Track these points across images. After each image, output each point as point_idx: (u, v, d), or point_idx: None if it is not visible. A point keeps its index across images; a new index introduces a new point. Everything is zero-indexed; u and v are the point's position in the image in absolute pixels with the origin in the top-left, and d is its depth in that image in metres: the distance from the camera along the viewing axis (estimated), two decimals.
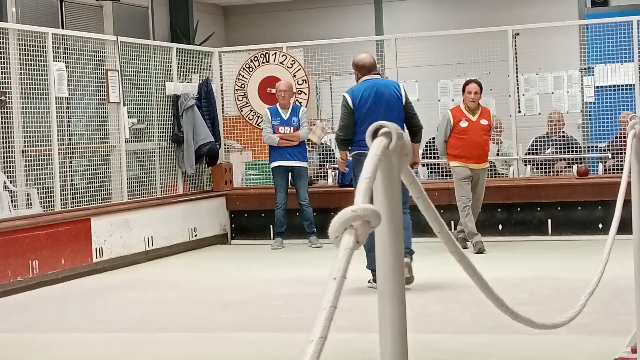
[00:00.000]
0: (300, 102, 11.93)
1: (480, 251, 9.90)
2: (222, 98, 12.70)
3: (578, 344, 5.73)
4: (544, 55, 11.93)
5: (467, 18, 15.00)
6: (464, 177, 10.14)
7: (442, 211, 9.80)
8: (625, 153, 4.61)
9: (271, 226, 11.66)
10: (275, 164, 11.20)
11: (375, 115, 7.62)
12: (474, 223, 10.13)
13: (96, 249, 9.79)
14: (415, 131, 8.06)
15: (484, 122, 10.18)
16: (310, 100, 12.36)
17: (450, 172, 11.97)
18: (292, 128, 11.26)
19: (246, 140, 12.68)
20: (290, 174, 11.24)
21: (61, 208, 9.83)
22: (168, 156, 11.73)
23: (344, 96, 8.09)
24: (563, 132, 11.75)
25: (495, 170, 11.82)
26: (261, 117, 11.82)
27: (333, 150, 12.65)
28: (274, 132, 11.17)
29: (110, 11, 13.56)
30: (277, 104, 11.38)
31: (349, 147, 8.08)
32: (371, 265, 7.66)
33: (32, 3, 12.29)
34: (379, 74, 8.33)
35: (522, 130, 11.84)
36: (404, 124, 7.94)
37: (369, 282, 7.83)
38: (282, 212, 11.19)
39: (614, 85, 11.68)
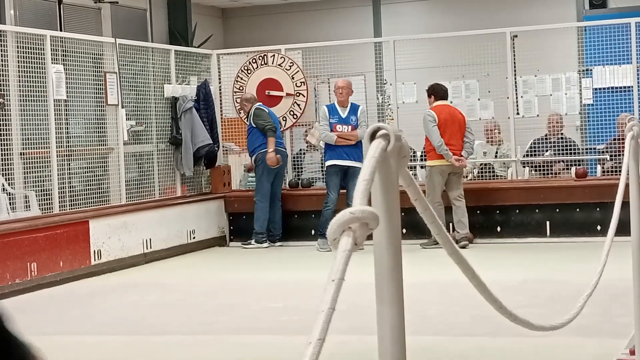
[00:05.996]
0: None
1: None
2: (221, 100, 12.69)
3: (577, 346, 5.72)
4: (542, 57, 11.91)
5: (466, 20, 14.99)
6: None
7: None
8: (623, 155, 4.61)
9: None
10: (331, 162, 11.02)
11: None
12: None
13: (94, 252, 9.77)
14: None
15: None
16: (308, 102, 12.33)
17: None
18: (350, 127, 11.05)
19: (244, 142, 12.65)
20: (344, 173, 10.99)
21: (59, 210, 9.81)
22: (166, 158, 11.72)
23: None
24: (561, 134, 11.74)
25: (493, 172, 11.83)
26: None
27: None
28: (331, 130, 11.02)
29: (108, 13, 13.54)
30: (335, 102, 11.27)
31: None
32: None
33: (30, 5, 12.28)
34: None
35: (520, 132, 11.83)
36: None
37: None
38: (330, 212, 10.70)
39: (612, 87, 11.67)
